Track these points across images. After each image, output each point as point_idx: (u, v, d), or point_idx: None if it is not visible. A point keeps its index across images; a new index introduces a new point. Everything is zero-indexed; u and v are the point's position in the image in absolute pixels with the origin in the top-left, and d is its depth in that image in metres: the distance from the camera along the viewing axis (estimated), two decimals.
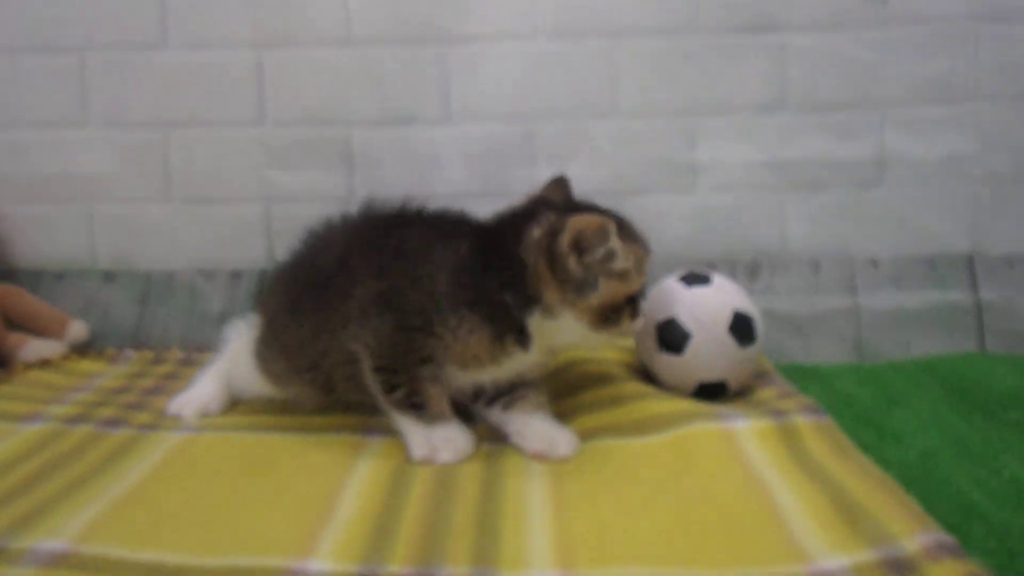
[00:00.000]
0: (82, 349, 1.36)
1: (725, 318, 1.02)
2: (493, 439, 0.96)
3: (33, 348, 1.33)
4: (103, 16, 1.37)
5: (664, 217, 1.36)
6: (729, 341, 1.02)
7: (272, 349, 1.01)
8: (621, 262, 0.88)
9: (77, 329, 1.38)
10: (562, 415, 1.02)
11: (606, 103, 1.33)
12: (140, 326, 1.41)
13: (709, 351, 1.02)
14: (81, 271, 1.43)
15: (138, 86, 1.38)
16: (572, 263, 0.86)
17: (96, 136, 1.40)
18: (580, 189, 1.32)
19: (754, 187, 1.35)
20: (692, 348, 1.02)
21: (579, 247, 0.86)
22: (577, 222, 0.85)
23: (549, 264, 0.87)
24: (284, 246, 1.16)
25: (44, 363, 1.28)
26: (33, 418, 1.05)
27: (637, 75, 1.33)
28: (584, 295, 0.87)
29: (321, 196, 1.35)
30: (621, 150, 1.34)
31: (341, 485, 0.82)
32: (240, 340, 1.08)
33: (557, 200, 0.97)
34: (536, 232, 0.88)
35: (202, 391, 1.08)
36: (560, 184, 1.02)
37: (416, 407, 0.90)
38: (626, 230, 0.91)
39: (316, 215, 1.00)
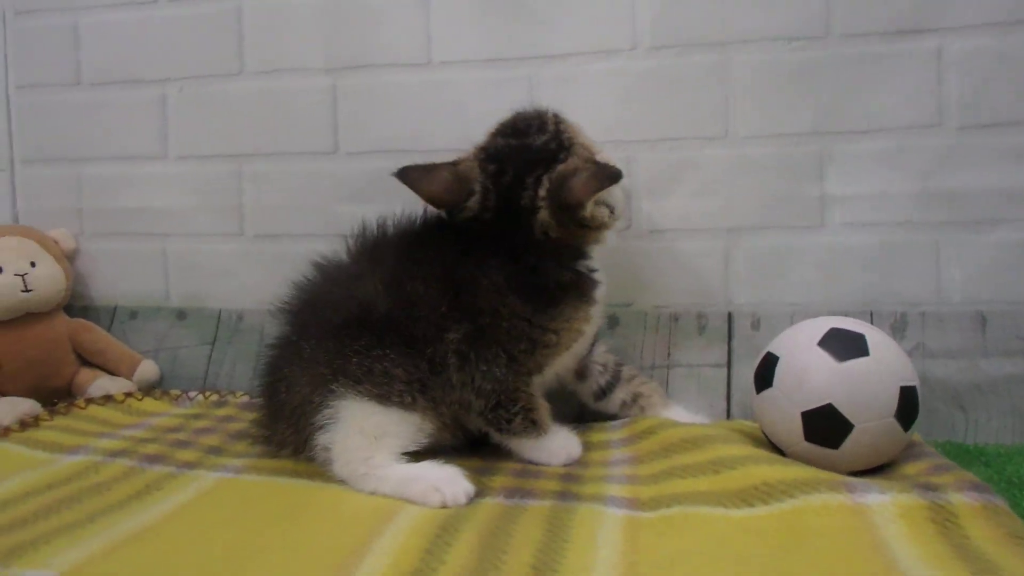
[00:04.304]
0: (149, 389, 1.36)
1: (893, 401, 0.86)
2: (562, 496, 0.87)
3: (100, 385, 1.35)
4: (184, 46, 1.40)
5: (787, 259, 1.20)
6: (896, 428, 0.86)
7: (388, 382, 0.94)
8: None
9: (147, 369, 1.40)
10: (650, 480, 0.91)
11: (717, 125, 1.20)
12: (209, 368, 1.41)
13: (873, 442, 0.86)
14: (155, 308, 1.45)
15: (213, 117, 1.40)
16: (590, 208, 0.98)
17: (173, 170, 1.43)
18: (686, 224, 1.23)
19: (900, 224, 1.17)
20: (853, 441, 0.86)
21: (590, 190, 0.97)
22: (567, 172, 0.97)
23: (576, 215, 0.98)
24: None
25: (107, 399, 1.29)
26: (76, 451, 1.06)
27: (755, 91, 1.19)
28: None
29: None
30: (735, 180, 1.20)
31: (372, 537, 0.77)
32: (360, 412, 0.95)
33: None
34: (543, 214, 0.98)
35: (437, 468, 0.91)
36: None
37: (534, 423, 0.99)
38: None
39: None
